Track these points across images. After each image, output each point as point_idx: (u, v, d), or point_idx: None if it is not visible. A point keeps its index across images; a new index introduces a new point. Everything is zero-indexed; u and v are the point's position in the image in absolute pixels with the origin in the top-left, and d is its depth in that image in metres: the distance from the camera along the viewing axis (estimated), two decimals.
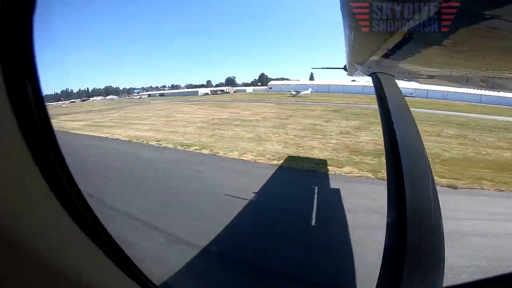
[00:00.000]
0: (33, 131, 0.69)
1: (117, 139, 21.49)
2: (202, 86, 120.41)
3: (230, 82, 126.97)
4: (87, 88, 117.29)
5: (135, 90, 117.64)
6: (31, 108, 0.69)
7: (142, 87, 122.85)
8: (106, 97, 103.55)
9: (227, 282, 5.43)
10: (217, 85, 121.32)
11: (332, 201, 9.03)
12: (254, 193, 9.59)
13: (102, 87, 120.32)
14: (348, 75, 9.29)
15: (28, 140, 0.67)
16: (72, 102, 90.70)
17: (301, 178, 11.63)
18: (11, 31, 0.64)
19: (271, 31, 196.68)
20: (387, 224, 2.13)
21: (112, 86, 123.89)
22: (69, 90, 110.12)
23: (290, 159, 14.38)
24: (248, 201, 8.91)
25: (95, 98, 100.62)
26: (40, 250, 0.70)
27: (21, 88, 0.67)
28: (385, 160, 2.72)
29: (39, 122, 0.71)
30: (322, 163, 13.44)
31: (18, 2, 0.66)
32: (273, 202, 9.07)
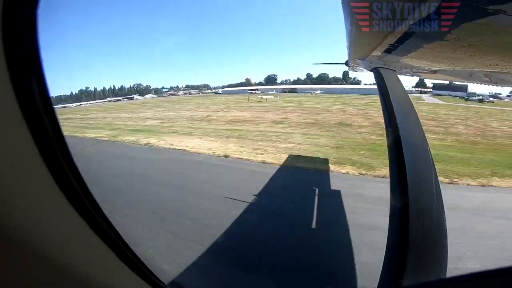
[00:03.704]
0: (41, 130, 0.70)
1: None
2: (242, 84, 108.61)
3: (271, 80, 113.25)
4: (113, 86, 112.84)
5: (163, 90, 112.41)
6: (38, 106, 0.70)
7: (163, 87, 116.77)
8: (146, 96, 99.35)
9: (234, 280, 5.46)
10: (258, 84, 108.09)
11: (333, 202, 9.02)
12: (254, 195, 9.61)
13: (128, 85, 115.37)
14: (349, 70, 9.24)
15: (36, 138, 0.68)
16: (117, 100, 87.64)
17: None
18: (15, 30, 0.64)
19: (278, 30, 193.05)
20: (390, 218, 2.14)
21: (142, 84, 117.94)
22: (89, 90, 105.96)
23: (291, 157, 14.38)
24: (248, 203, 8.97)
25: (137, 96, 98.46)
26: (49, 249, 0.71)
27: (28, 87, 0.67)
28: (387, 155, 2.71)
29: (46, 120, 0.72)
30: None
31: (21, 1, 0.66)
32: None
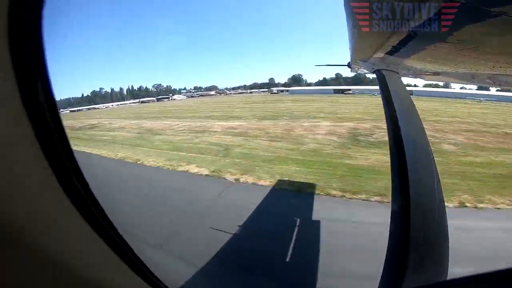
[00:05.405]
0: (45, 130, 0.70)
1: None
2: (266, 84, 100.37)
3: (297, 80, 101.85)
4: (132, 87, 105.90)
5: (181, 91, 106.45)
6: (43, 107, 0.70)
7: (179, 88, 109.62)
8: (175, 97, 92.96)
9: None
10: (284, 84, 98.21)
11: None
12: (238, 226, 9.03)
13: (150, 86, 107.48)
14: (352, 72, 9.23)
15: (40, 139, 0.68)
16: (151, 101, 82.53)
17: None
18: (20, 30, 0.65)
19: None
20: (391, 219, 2.13)
21: (162, 84, 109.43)
22: (104, 91, 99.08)
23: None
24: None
25: (177, 96, 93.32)
26: (50, 250, 0.71)
27: (32, 87, 0.67)
28: (389, 157, 2.70)
29: (50, 120, 0.72)
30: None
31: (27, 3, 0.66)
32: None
